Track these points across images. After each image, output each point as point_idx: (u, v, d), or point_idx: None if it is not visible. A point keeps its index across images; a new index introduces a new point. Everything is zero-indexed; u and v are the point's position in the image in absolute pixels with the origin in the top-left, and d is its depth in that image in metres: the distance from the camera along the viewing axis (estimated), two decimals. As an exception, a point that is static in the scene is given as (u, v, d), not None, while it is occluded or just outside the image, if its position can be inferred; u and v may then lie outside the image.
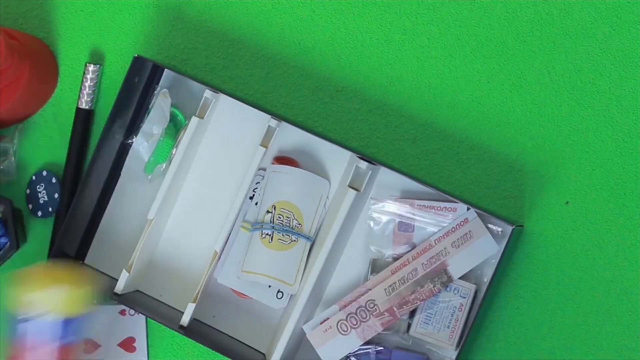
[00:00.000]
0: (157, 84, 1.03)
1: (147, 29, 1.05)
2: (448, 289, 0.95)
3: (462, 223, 0.94)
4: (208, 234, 1.01)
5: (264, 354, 1.01)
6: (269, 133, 0.97)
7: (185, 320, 0.98)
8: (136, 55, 0.98)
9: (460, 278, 0.94)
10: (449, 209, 0.95)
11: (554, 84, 0.98)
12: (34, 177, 1.07)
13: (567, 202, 0.97)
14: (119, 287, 0.98)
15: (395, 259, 0.96)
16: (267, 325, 1.01)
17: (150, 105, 1.02)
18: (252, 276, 0.98)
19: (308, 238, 0.98)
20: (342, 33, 1.01)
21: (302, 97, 1.02)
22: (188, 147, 0.99)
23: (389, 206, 0.97)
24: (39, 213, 1.06)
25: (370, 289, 0.95)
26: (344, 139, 1.01)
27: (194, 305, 0.97)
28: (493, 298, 0.97)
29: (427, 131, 1.00)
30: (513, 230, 0.91)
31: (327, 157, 1.00)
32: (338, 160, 0.99)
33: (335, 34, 1.02)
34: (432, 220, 0.95)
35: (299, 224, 0.98)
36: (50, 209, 1.06)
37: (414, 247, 0.96)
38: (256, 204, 1.00)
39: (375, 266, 0.97)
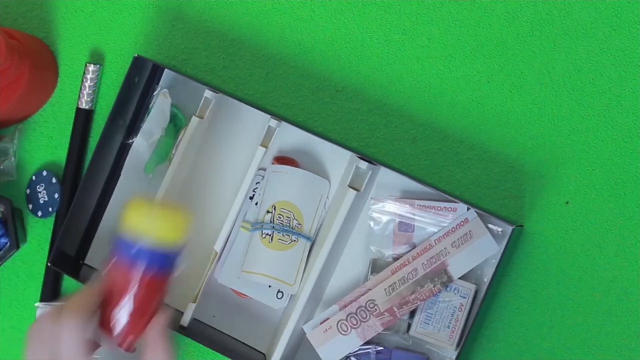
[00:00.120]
0: (157, 84, 1.03)
1: (147, 29, 1.05)
2: (448, 289, 0.95)
3: (462, 223, 0.94)
4: (208, 234, 1.01)
5: (264, 354, 1.01)
6: (269, 133, 0.97)
7: (185, 320, 0.98)
8: (136, 55, 0.98)
9: (460, 278, 0.94)
10: (449, 209, 0.95)
11: (554, 84, 0.98)
12: (34, 177, 1.07)
13: (567, 202, 0.97)
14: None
15: (395, 259, 0.96)
16: (267, 325, 1.01)
17: (150, 106, 1.02)
18: (252, 276, 0.98)
19: (308, 238, 0.98)
20: (342, 33, 1.01)
21: (302, 97, 1.02)
22: (188, 147, 0.99)
23: (389, 206, 0.97)
24: (39, 213, 1.06)
25: (370, 289, 0.95)
26: (344, 139, 1.01)
27: (194, 305, 0.97)
28: (493, 298, 0.97)
29: (427, 131, 1.00)
30: (513, 230, 0.91)
31: (327, 157, 1.00)
32: (338, 160, 0.99)
33: (335, 34, 1.02)
34: (432, 220, 0.95)
35: (299, 224, 0.98)
36: (50, 209, 1.06)
37: (414, 247, 0.96)
38: (256, 204, 1.00)
39: (375, 266, 0.97)
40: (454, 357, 0.93)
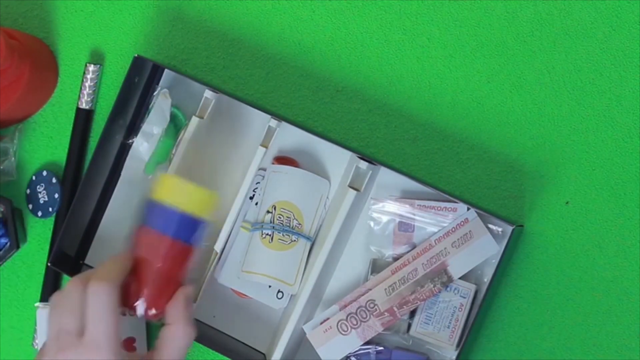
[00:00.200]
0: (157, 84, 1.03)
1: (147, 29, 1.05)
2: (448, 289, 0.95)
3: (462, 223, 0.94)
4: (208, 234, 1.01)
5: (264, 354, 1.01)
6: (269, 133, 0.97)
7: (185, 320, 0.98)
8: (136, 55, 0.98)
9: (460, 278, 0.94)
10: (449, 209, 0.95)
11: (554, 84, 0.98)
12: (34, 177, 1.07)
13: (567, 202, 0.97)
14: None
15: (396, 259, 0.96)
16: (267, 325, 1.01)
17: (150, 106, 1.02)
18: (252, 276, 0.98)
19: (308, 238, 0.98)
20: (342, 33, 1.01)
21: (302, 97, 1.02)
22: (188, 147, 0.99)
23: (389, 206, 0.97)
24: (39, 213, 1.06)
25: (370, 289, 0.95)
26: (344, 139, 1.01)
27: (194, 305, 0.97)
28: (493, 298, 0.97)
29: (427, 131, 1.00)
30: (513, 230, 0.91)
31: (327, 157, 1.00)
32: (338, 160, 0.99)
33: (335, 34, 1.02)
34: (432, 220, 0.95)
35: (299, 224, 0.98)
36: (50, 209, 1.06)
37: (414, 247, 0.96)
38: (256, 204, 1.00)
39: (376, 266, 0.97)
40: (454, 357, 0.93)
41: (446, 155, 0.99)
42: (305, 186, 0.98)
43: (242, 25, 1.03)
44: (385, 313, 0.94)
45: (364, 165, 0.94)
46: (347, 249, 0.99)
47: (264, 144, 0.96)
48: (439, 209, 0.95)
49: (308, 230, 0.98)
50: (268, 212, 0.98)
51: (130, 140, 1.02)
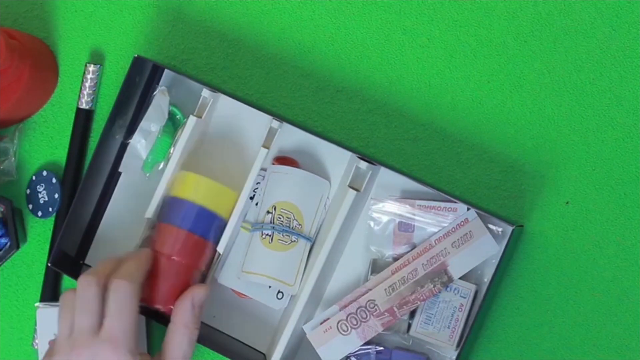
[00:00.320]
0: (158, 84, 1.03)
1: (147, 29, 1.05)
2: (448, 289, 0.95)
3: (462, 223, 0.94)
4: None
5: (264, 354, 1.01)
6: (271, 134, 0.97)
7: (185, 320, 0.98)
8: (136, 55, 0.98)
9: (460, 278, 0.94)
10: (449, 209, 0.95)
11: (554, 84, 0.98)
12: (34, 177, 1.07)
13: (567, 202, 0.97)
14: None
15: (396, 259, 0.96)
16: (267, 325, 1.01)
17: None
18: (252, 276, 0.98)
19: (308, 239, 0.98)
20: (342, 33, 1.01)
21: (302, 97, 1.02)
22: (186, 147, 0.98)
23: (389, 206, 0.97)
24: (39, 213, 1.06)
25: (370, 289, 0.95)
26: (344, 139, 1.01)
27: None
28: (493, 298, 0.97)
29: (427, 131, 1.00)
30: (513, 230, 0.91)
31: (327, 157, 1.00)
32: (338, 160, 0.99)
33: (335, 34, 1.02)
34: (432, 221, 0.95)
35: (299, 225, 0.98)
36: (50, 209, 1.06)
37: (414, 247, 0.96)
38: (256, 204, 1.00)
39: (376, 266, 0.97)
40: (454, 357, 0.93)
41: (446, 155, 0.99)
42: (305, 186, 0.98)
43: (242, 25, 1.03)
44: (385, 313, 0.94)
45: (364, 165, 0.94)
46: (347, 249, 0.99)
47: (266, 145, 0.96)
48: (439, 209, 0.95)
49: (308, 230, 0.98)
50: (268, 212, 0.98)
51: (130, 140, 1.02)
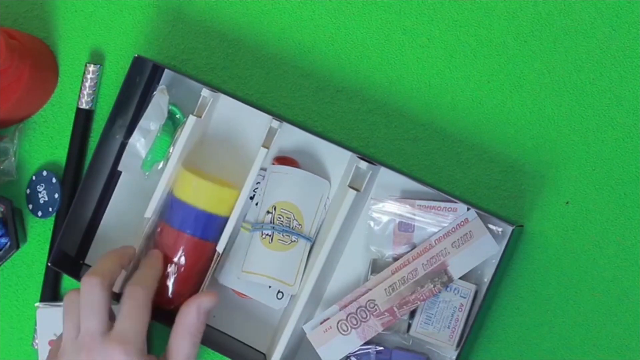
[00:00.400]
0: (158, 83, 1.03)
1: (147, 29, 1.05)
2: (448, 289, 0.95)
3: (462, 223, 0.94)
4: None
5: (264, 354, 1.01)
6: (271, 134, 0.97)
7: (185, 320, 0.98)
8: (136, 55, 0.98)
9: (460, 278, 0.94)
10: (449, 209, 0.95)
11: (554, 84, 0.98)
12: (34, 177, 1.07)
13: (567, 202, 0.97)
14: (117, 285, 0.97)
15: (396, 259, 0.96)
16: (267, 325, 1.01)
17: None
18: (252, 276, 0.98)
19: (308, 239, 0.98)
20: (342, 33, 1.01)
21: (302, 97, 1.02)
22: (185, 146, 0.98)
23: (389, 206, 0.97)
24: (39, 213, 1.06)
25: (370, 289, 0.95)
26: (344, 139, 1.01)
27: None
28: (493, 298, 0.97)
29: (427, 131, 1.00)
30: (513, 230, 0.91)
31: (327, 157, 1.00)
32: (338, 160, 0.99)
33: (335, 34, 1.02)
34: (432, 221, 0.95)
35: (299, 225, 0.98)
36: (50, 209, 1.06)
37: (414, 247, 0.96)
38: (256, 204, 1.00)
39: (376, 266, 0.97)
40: (454, 357, 0.93)
41: (446, 155, 0.99)
42: (305, 186, 0.98)
43: (242, 25, 1.03)
44: (385, 313, 0.94)
45: (364, 165, 0.94)
46: (347, 249, 0.99)
47: (265, 145, 0.96)
48: (439, 209, 0.95)
49: (308, 230, 0.98)
50: (268, 212, 0.98)
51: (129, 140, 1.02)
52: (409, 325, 0.96)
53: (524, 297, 0.97)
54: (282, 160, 1.00)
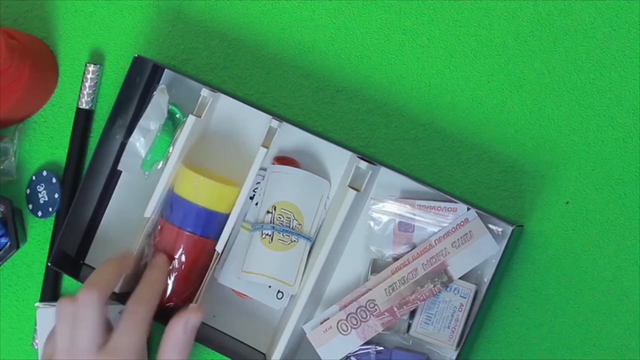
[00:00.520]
0: (158, 83, 1.03)
1: (147, 29, 1.05)
2: (448, 289, 0.95)
3: (462, 223, 0.94)
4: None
5: (264, 354, 1.01)
6: (270, 134, 0.97)
7: (185, 320, 0.98)
8: (136, 55, 0.98)
9: (460, 278, 0.94)
10: (449, 209, 0.95)
11: (554, 84, 0.98)
12: (34, 177, 1.07)
13: (567, 202, 0.97)
14: (117, 286, 0.97)
15: (396, 259, 0.96)
16: (267, 325, 1.01)
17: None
18: (252, 276, 0.98)
19: (308, 239, 0.98)
20: (342, 33, 1.01)
21: (302, 97, 1.02)
22: (185, 145, 0.98)
23: (389, 206, 0.97)
24: (39, 213, 1.06)
25: (370, 289, 0.95)
26: (344, 139, 1.01)
27: (195, 305, 0.97)
28: (493, 298, 0.97)
29: (427, 131, 1.00)
30: (513, 230, 0.91)
31: (327, 157, 1.00)
32: (338, 160, 0.99)
33: (335, 34, 1.02)
34: (432, 221, 0.95)
35: (299, 225, 0.98)
36: (50, 209, 1.06)
37: (414, 247, 0.96)
38: (256, 204, 1.00)
39: (376, 266, 0.97)
40: (454, 357, 0.93)
41: (446, 155, 0.99)
42: (305, 186, 0.98)
43: (242, 25, 1.03)
44: (385, 313, 0.94)
45: (364, 165, 0.94)
46: (347, 249, 0.99)
47: (265, 145, 0.96)
48: (439, 209, 0.95)
49: (308, 230, 0.98)
50: (268, 212, 0.98)
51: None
52: (409, 325, 0.96)
53: (524, 297, 0.97)
54: (282, 160, 1.00)
